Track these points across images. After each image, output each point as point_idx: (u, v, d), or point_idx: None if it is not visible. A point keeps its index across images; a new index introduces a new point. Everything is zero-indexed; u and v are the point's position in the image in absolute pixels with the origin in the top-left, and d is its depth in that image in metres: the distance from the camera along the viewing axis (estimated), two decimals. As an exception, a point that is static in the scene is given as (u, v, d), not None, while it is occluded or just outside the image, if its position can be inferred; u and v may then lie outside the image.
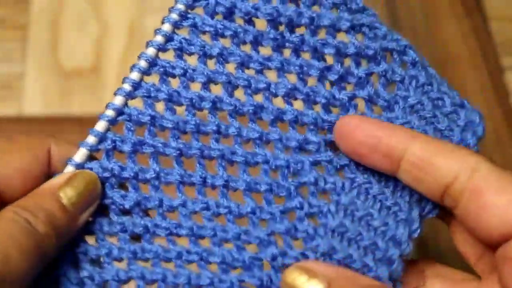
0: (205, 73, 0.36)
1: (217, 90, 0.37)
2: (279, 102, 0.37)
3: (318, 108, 0.37)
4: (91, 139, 0.36)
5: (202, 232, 0.36)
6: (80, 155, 0.36)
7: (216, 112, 0.37)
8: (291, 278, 0.33)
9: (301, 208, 0.36)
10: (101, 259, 0.36)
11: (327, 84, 0.37)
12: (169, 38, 0.36)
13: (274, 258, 0.35)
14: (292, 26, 0.36)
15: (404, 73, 0.37)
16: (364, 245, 0.34)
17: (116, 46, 0.72)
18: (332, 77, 0.37)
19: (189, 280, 0.35)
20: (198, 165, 0.37)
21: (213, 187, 0.37)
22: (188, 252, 0.35)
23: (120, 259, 0.36)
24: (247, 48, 0.37)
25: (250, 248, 0.36)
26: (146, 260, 0.36)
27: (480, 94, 0.75)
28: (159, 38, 0.36)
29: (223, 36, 0.37)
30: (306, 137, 0.37)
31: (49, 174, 0.36)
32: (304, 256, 0.35)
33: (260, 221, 0.36)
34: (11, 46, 0.72)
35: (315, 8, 0.37)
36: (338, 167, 0.36)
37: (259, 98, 0.37)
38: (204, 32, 0.37)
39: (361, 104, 0.37)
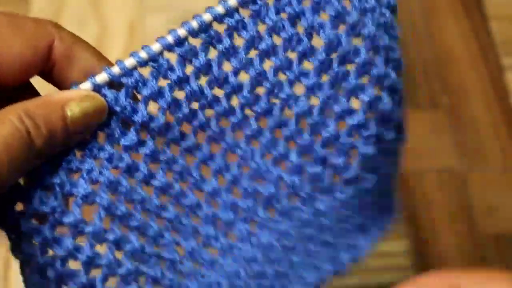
0: (243, 59, 0.36)
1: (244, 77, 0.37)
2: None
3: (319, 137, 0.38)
4: (116, 69, 0.35)
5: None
6: (101, 78, 0.35)
7: (231, 97, 0.37)
8: None
9: (247, 211, 0.38)
10: (78, 174, 0.36)
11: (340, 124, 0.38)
12: (229, 14, 0.36)
13: (208, 237, 0.37)
14: (344, 59, 0.36)
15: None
16: None
17: (116, 46, 0.72)
18: (350, 121, 0.37)
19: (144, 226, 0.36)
20: (192, 134, 0.37)
21: (192, 154, 0.37)
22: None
23: (96, 182, 0.36)
24: (292, 55, 0.37)
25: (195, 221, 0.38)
26: (117, 194, 0.36)
27: (480, 94, 0.75)
28: (220, 9, 0.35)
29: (277, 34, 0.36)
30: (289, 154, 0.38)
31: (47, 67, 0.35)
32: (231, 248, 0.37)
33: (213, 202, 0.38)
34: (11, 46, 0.72)
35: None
36: (297, 194, 0.38)
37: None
38: (263, 22, 0.36)
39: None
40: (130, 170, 0.36)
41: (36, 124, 0.32)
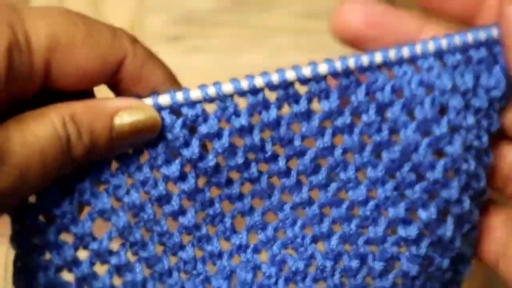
0: (314, 128, 0.35)
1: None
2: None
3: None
4: (180, 97, 0.33)
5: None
6: (163, 99, 0.33)
7: (290, 159, 0.35)
8: None
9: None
10: (104, 186, 0.34)
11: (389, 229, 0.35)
12: (315, 79, 0.34)
13: None
14: (416, 168, 0.35)
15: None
16: None
17: (116, 46, 0.72)
18: (405, 233, 0.35)
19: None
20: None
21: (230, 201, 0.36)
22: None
23: (119, 199, 0.34)
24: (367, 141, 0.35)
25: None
26: (137, 218, 0.34)
27: (480, 94, 0.74)
28: (307, 72, 0.34)
29: (358, 114, 0.34)
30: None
31: (114, 80, 0.33)
32: None
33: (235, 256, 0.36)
34: (11, 46, 0.72)
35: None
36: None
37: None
38: (348, 98, 0.35)
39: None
40: (161, 200, 0.34)
41: (79, 132, 0.30)
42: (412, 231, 0.34)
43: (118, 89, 0.34)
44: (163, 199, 0.34)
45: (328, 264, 0.35)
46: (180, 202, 0.34)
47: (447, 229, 0.33)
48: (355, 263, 0.34)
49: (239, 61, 0.74)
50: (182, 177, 0.34)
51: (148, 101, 0.33)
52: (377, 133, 0.34)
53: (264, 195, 0.35)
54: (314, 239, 0.35)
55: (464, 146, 0.33)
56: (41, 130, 0.29)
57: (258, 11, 0.82)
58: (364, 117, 0.34)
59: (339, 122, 0.34)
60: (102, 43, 0.32)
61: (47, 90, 0.31)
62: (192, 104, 0.33)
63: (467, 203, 0.34)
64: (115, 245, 0.34)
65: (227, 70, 0.74)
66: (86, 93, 0.34)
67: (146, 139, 0.33)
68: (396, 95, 0.34)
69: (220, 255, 0.35)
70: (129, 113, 0.31)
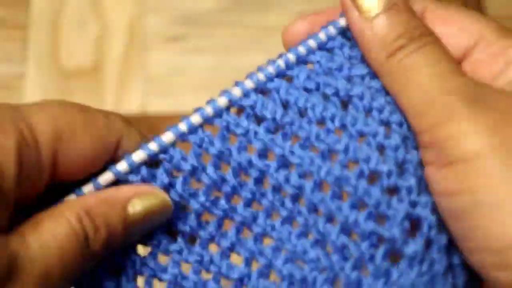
0: (266, 140, 0.34)
1: (270, 159, 0.35)
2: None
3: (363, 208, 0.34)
4: (123, 166, 0.34)
5: (183, 282, 0.35)
6: (138, 155, 0.34)
7: (261, 181, 0.35)
8: None
9: None
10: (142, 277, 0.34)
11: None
12: (245, 93, 0.34)
13: None
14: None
15: None
16: None
17: (116, 46, 0.72)
18: (402, 183, 0.33)
19: None
20: (215, 222, 0.35)
21: (218, 244, 0.36)
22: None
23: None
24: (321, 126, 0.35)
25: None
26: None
27: (480, 94, 0.75)
28: (237, 91, 0.34)
29: (304, 112, 0.35)
30: (330, 232, 0.34)
31: (111, 161, 0.33)
32: None
33: None
34: (11, 46, 0.72)
35: None
36: (337, 277, 0.33)
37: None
38: (288, 102, 0.35)
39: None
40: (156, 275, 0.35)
41: (96, 226, 0.30)
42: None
43: None
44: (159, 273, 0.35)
45: (337, 258, 0.33)
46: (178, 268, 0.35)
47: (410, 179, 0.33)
48: (365, 246, 0.32)
49: (239, 61, 0.74)
50: (170, 242, 0.35)
51: (123, 163, 0.33)
52: (332, 120, 0.34)
53: (250, 224, 0.35)
54: (316, 243, 0.34)
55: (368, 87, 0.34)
56: (57, 229, 0.29)
57: (258, 11, 0.82)
58: (310, 112, 0.35)
59: (286, 120, 0.34)
60: (99, 127, 0.32)
61: (53, 185, 0.32)
62: (136, 169, 0.34)
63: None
64: None
65: (227, 70, 0.74)
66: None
67: (162, 221, 0.34)
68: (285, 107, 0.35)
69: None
70: (141, 200, 0.32)
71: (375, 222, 0.32)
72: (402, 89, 0.32)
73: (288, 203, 0.34)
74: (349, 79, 0.35)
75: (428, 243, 0.32)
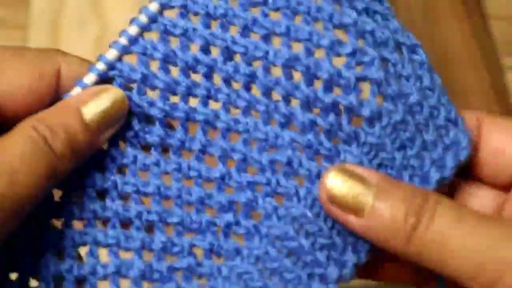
0: (205, 35, 0.35)
1: (215, 53, 0.36)
2: (278, 71, 0.36)
3: (318, 83, 0.35)
4: (100, 65, 0.34)
5: (168, 192, 0.35)
6: (89, 78, 0.34)
7: (211, 76, 0.35)
8: (333, 182, 0.31)
9: (268, 184, 0.35)
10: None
11: (335, 59, 0.35)
12: None
13: (228, 225, 0.35)
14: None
15: (411, 70, 0.35)
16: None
17: (116, 46, 0.72)
18: (343, 51, 0.34)
19: (143, 245, 0.34)
20: (180, 127, 0.35)
21: (190, 150, 0.36)
22: (149, 212, 0.35)
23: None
24: (255, 11, 0.35)
25: (210, 213, 0.35)
26: (106, 219, 0.35)
27: (480, 94, 0.75)
28: None
29: None
30: (294, 113, 0.35)
31: (57, 93, 0.34)
32: (257, 229, 0.34)
33: (226, 188, 0.35)
34: (11, 46, 0.72)
35: None
36: (318, 152, 0.35)
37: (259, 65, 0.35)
38: None
39: (365, 89, 0.35)
40: (116, 186, 0.35)
41: (53, 130, 0.31)
42: (348, 45, 0.34)
43: None
44: (114, 187, 0.35)
45: (309, 136, 0.35)
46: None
47: (369, 23, 0.34)
48: (331, 117, 0.34)
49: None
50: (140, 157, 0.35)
51: (77, 89, 0.33)
52: None
53: (213, 122, 0.35)
54: (283, 126, 0.35)
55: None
56: (16, 140, 0.30)
57: (258, 11, 0.82)
58: None
59: (219, 11, 0.35)
60: (31, 58, 0.33)
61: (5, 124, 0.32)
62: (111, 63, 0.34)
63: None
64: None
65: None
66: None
67: (121, 117, 0.34)
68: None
69: (209, 196, 0.35)
70: (94, 101, 0.32)
71: (332, 93, 0.34)
72: (442, 260, 0.31)
73: (244, 93, 0.35)
74: None
75: (382, 99, 0.34)
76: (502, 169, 0.35)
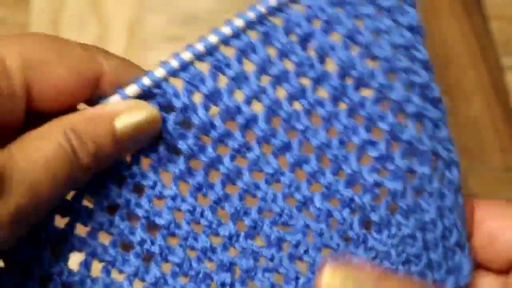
0: (255, 87, 0.34)
1: (258, 108, 0.35)
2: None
3: (342, 175, 0.35)
4: (146, 80, 0.33)
5: (176, 230, 0.34)
6: (131, 90, 0.33)
7: (246, 130, 0.34)
8: (328, 280, 0.30)
9: (272, 259, 0.35)
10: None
11: (363, 158, 0.35)
12: (235, 35, 0.34)
13: (223, 284, 0.34)
14: (359, 83, 0.34)
15: (438, 186, 0.35)
16: None
17: (116, 46, 0.72)
18: (372, 153, 0.35)
19: (136, 272, 0.34)
20: (202, 170, 0.34)
21: (205, 196, 0.35)
22: (152, 242, 0.34)
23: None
24: (305, 82, 0.35)
25: (210, 265, 0.35)
26: (109, 234, 0.34)
27: (480, 94, 0.75)
28: (227, 30, 0.34)
29: (288, 58, 0.34)
30: (313, 199, 0.35)
31: (95, 95, 0.33)
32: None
33: (231, 248, 0.35)
34: (11, 46, 0.72)
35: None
36: (327, 245, 0.35)
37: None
38: (272, 45, 0.34)
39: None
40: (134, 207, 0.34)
41: (83, 141, 0.30)
42: (380, 148, 0.34)
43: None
44: (132, 211, 0.34)
45: (324, 226, 0.34)
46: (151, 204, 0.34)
47: (410, 128, 0.34)
48: (346, 213, 0.34)
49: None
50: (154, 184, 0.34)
51: (116, 97, 0.33)
52: (311, 69, 0.34)
53: (233, 178, 0.34)
54: (300, 208, 0.35)
55: (393, 46, 0.34)
56: (44, 146, 0.29)
57: (258, 11, 0.82)
58: (293, 58, 0.34)
59: (274, 71, 0.34)
60: (75, 57, 0.32)
61: (35, 118, 0.32)
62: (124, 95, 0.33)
63: (416, 99, 0.34)
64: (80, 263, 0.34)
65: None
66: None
67: (151, 136, 0.33)
68: (313, 24, 0.34)
69: (213, 249, 0.34)
70: (128, 115, 0.32)
71: (352, 189, 0.35)
72: None
73: (273, 160, 0.34)
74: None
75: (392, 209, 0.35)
76: (498, 255, 0.34)
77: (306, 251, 0.35)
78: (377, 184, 0.34)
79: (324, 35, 0.34)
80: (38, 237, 0.33)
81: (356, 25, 0.34)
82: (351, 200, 0.34)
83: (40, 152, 0.29)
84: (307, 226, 0.34)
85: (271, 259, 0.34)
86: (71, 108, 0.32)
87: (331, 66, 0.34)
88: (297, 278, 0.34)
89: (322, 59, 0.34)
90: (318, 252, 0.34)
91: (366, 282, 0.30)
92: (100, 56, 0.33)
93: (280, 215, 0.35)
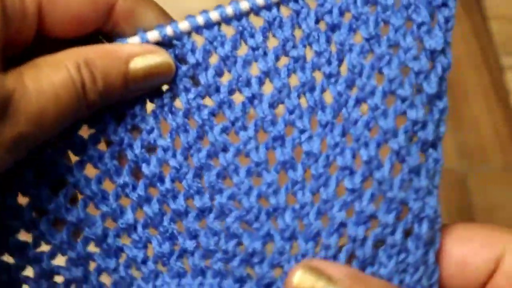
0: (270, 67, 0.33)
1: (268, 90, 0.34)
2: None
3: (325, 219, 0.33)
4: (169, 30, 0.33)
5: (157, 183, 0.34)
6: (152, 35, 0.33)
7: (249, 107, 0.34)
8: (299, 280, 0.29)
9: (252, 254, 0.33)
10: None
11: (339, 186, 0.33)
12: (267, 6, 0.33)
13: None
14: (360, 97, 0.33)
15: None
16: None
17: (116, 46, 0.72)
18: (347, 184, 0.32)
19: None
20: (195, 130, 0.34)
21: (197, 151, 0.34)
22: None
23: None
24: (319, 76, 0.34)
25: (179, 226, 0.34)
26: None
27: (480, 94, 0.75)
28: (260, 0, 0.33)
29: (310, 45, 0.33)
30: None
31: (107, 25, 0.32)
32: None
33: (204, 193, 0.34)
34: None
35: None
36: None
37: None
38: (300, 27, 0.33)
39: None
40: (124, 150, 0.34)
41: (94, 77, 0.30)
42: (356, 180, 0.32)
43: (113, 37, 0.33)
44: (127, 149, 0.33)
45: (287, 246, 0.32)
46: (142, 151, 0.33)
47: (385, 168, 0.32)
48: (310, 245, 0.32)
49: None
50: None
51: (136, 39, 0.32)
52: (328, 65, 0.33)
53: (217, 151, 0.33)
54: (269, 214, 0.33)
55: (401, 67, 0.33)
56: (56, 76, 0.29)
57: (258, 11, 0.82)
58: (315, 47, 0.33)
59: (293, 54, 0.33)
60: None
61: (47, 41, 0.31)
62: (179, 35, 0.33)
63: (402, 137, 0.32)
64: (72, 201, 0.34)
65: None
66: (82, 42, 0.33)
67: (160, 83, 0.33)
68: (344, 17, 0.34)
69: (186, 214, 0.34)
70: (144, 58, 0.32)
71: (320, 222, 0.32)
72: None
73: (263, 150, 0.33)
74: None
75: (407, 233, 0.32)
76: (468, 282, 0.33)
77: (261, 262, 0.32)
78: (342, 225, 0.32)
79: (349, 32, 0.33)
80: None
81: (379, 32, 0.33)
82: (317, 234, 0.32)
83: (50, 81, 0.29)
84: (269, 235, 0.32)
85: (225, 252, 0.33)
86: (83, 34, 0.32)
87: (344, 67, 0.34)
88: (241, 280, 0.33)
89: (340, 58, 0.33)
90: (271, 269, 0.32)
91: (341, 282, 0.29)
92: None
93: (247, 212, 0.33)
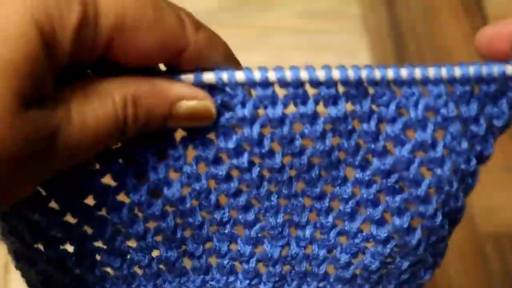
0: (318, 130, 0.34)
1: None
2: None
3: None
4: (224, 76, 0.33)
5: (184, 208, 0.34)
6: (208, 77, 0.32)
7: (285, 158, 0.34)
8: None
9: None
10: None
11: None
12: (327, 83, 0.33)
13: None
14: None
15: None
16: None
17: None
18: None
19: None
20: (236, 180, 0.35)
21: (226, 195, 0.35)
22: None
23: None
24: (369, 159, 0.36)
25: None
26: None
27: (480, 94, 0.75)
28: (321, 75, 0.33)
29: (360, 122, 0.34)
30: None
31: (172, 63, 0.32)
32: None
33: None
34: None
35: None
36: None
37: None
38: (353, 104, 0.34)
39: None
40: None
41: (137, 115, 0.30)
42: (383, 232, 0.35)
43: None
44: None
45: (299, 251, 0.36)
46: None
47: (415, 238, 0.34)
48: (322, 252, 0.36)
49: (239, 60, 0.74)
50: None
51: (189, 78, 0.32)
52: (373, 142, 0.35)
53: (252, 185, 0.34)
54: (290, 225, 0.35)
55: (453, 169, 0.34)
56: (101, 110, 0.29)
57: (258, 12, 0.82)
58: (364, 126, 0.34)
59: (341, 127, 0.34)
60: (166, 29, 0.31)
61: (108, 60, 0.31)
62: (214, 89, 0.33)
63: (439, 219, 0.34)
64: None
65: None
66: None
67: (199, 126, 0.33)
68: (399, 113, 0.34)
69: (201, 227, 0.35)
70: (188, 103, 0.32)
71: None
72: None
73: (294, 186, 0.35)
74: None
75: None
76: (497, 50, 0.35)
77: (274, 264, 0.36)
78: (358, 251, 0.36)
79: (403, 130, 0.34)
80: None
81: (435, 139, 0.33)
82: (333, 246, 0.36)
83: (95, 114, 0.29)
84: (287, 242, 0.36)
85: (241, 254, 0.36)
86: (145, 66, 0.32)
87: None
88: None
89: (388, 142, 0.34)
90: (282, 267, 0.36)
91: None
92: (191, 30, 0.32)
93: (272, 227, 0.36)
